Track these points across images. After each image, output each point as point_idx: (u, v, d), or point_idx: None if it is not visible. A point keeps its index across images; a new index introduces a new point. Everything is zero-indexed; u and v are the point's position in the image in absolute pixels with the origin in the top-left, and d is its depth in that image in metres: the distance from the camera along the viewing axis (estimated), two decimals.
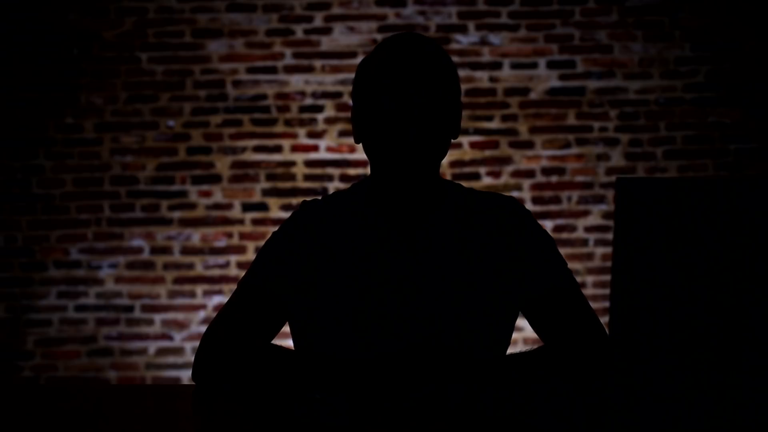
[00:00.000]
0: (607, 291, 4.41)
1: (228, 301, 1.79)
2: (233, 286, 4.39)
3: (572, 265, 4.39)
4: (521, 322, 4.40)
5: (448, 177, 4.40)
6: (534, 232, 1.81)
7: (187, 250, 4.47)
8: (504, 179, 4.49)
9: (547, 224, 4.46)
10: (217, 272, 4.46)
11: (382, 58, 1.73)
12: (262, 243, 4.42)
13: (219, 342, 1.72)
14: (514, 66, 4.51)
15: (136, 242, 4.47)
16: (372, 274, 1.75)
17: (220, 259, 4.47)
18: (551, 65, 4.51)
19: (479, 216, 1.81)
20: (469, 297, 1.76)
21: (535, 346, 1.78)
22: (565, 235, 4.46)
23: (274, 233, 1.84)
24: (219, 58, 4.50)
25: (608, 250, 4.47)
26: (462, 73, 4.45)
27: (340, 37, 4.51)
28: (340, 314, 1.75)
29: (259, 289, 1.77)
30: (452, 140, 1.78)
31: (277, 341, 1.79)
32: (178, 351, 4.44)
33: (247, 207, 4.48)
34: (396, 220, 1.78)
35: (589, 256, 4.48)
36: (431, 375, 1.56)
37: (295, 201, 4.45)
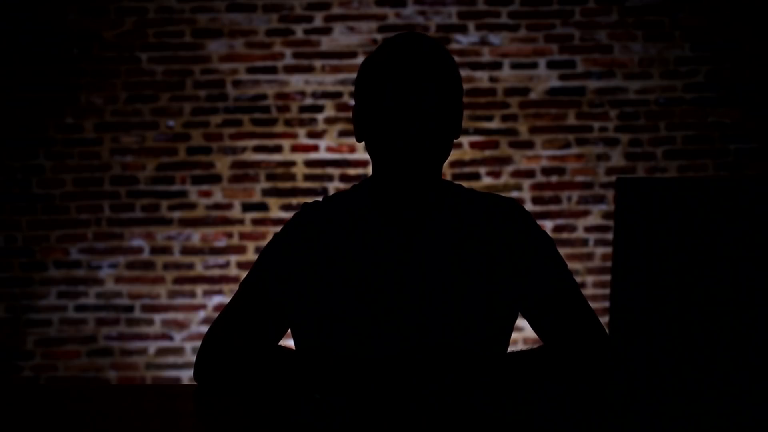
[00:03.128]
0: (607, 291, 4.41)
1: (230, 301, 1.80)
2: (233, 286, 4.39)
3: (572, 265, 4.39)
4: (521, 322, 4.40)
5: (448, 177, 4.40)
6: (534, 233, 1.81)
7: (187, 250, 4.47)
8: (504, 179, 4.49)
9: (547, 224, 4.46)
10: (217, 272, 4.46)
11: (384, 57, 1.72)
12: (262, 243, 4.42)
13: (221, 342, 1.72)
14: (514, 66, 4.51)
15: (136, 242, 4.47)
16: (372, 275, 1.75)
17: (220, 259, 4.47)
18: (551, 65, 4.51)
19: (479, 217, 1.81)
20: (469, 298, 1.76)
21: (535, 346, 1.78)
22: (565, 235, 4.46)
23: (275, 235, 1.84)
24: (219, 58, 4.50)
25: (608, 250, 4.47)
26: (462, 73, 4.45)
27: (340, 37, 4.51)
28: (340, 315, 1.75)
29: (259, 291, 1.77)
30: (454, 140, 1.78)
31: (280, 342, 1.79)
32: (178, 351, 4.44)
33: (247, 207, 4.48)
34: (397, 220, 1.78)
35: (589, 256, 4.48)
36: (432, 375, 1.56)
37: (295, 201, 4.45)
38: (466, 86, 4.45)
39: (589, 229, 4.48)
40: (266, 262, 1.80)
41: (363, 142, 1.79)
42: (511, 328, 1.84)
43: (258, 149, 4.49)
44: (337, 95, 4.50)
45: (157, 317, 4.45)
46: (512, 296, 1.80)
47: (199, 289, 4.46)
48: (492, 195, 1.86)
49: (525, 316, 1.83)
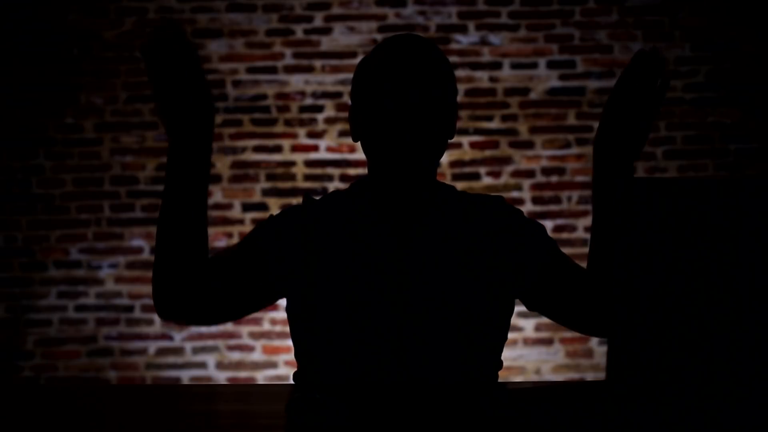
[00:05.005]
0: None
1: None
2: None
3: None
4: (521, 322, 4.40)
5: (448, 177, 4.40)
6: (522, 221, 1.85)
7: None
8: (504, 179, 4.49)
9: (547, 224, 4.46)
10: None
11: (380, 58, 1.74)
12: None
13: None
14: (514, 66, 4.51)
15: (136, 242, 4.47)
16: (367, 272, 1.76)
17: None
18: (551, 65, 4.51)
19: (470, 216, 1.84)
20: (465, 293, 1.77)
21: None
22: (565, 235, 4.46)
23: (278, 212, 1.86)
24: (219, 58, 4.50)
25: None
26: (462, 73, 4.45)
27: (340, 37, 4.51)
28: (335, 309, 1.75)
29: (252, 243, 1.79)
30: (448, 141, 1.79)
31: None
32: (178, 351, 4.44)
33: (247, 207, 4.48)
34: (392, 218, 1.79)
35: None
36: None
37: (295, 201, 4.45)
38: (466, 86, 4.45)
39: (589, 229, 4.48)
40: (266, 227, 1.83)
41: (359, 142, 1.81)
42: (507, 323, 1.85)
43: (258, 149, 4.49)
44: (337, 95, 4.50)
45: (157, 317, 4.45)
46: (509, 284, 1.81)
47: None
48: (481, 195, 1.89)
49: (529, 301, 1.85)
